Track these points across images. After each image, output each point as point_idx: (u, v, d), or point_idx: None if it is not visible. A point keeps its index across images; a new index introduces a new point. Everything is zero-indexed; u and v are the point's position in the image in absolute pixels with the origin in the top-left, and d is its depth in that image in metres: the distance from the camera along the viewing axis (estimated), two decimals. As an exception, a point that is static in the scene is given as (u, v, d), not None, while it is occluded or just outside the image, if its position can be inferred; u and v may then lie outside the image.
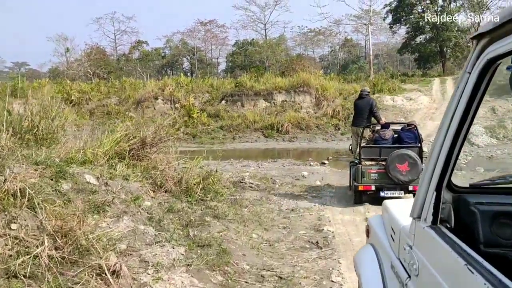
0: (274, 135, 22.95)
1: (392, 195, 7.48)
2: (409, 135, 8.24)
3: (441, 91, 28.64)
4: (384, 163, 7.61)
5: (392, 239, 2.28)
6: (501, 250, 1.67)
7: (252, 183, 10.07)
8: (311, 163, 15.40)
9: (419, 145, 7.98)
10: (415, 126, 8.54)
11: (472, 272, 1.24)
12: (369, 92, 10.22)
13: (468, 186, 1.92)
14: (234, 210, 6.12)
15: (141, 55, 57.27)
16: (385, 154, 7.77)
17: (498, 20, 1.32)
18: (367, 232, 3.01)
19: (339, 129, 22.86)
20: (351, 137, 10.98)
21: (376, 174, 7.69)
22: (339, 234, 5.74)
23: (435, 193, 1.67)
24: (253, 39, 53.36)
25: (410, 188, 7.49)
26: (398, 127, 8.99)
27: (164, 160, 6.45)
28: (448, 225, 1.71)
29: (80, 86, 32.41)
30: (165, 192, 5.69)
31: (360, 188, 7.78)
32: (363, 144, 8.46)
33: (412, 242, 1.87)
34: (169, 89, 28.43)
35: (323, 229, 5.68)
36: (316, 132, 22.90)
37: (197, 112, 25.25)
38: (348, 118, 21.66)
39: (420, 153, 7.79)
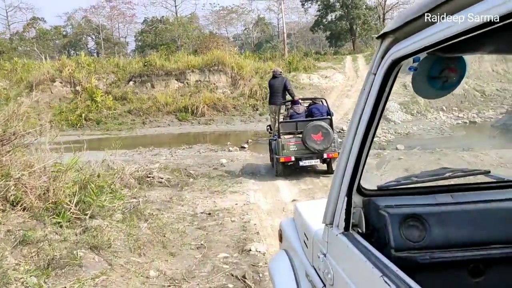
0: (189, 118, 21.27)
1: (309, 164, 8.53)
2: (319, 108, 9.06)
3: (354, 68, 28.86)
4: (300, 135, 8.31)
5: (306, 245, 2.22)
6: (410, 254, 1.67)
7: (161, 178, 8.54)
8: (230, 148, 14.18)
9: (329, 117, 8.82)
10: (324, 100, 9.57)
11: (388, 284, 1.27)
12: (281, 72, 11.15)
13: (376, 188, 1.85)
14: (128, 227, 4.54)
15: (38, 33, 51.71)
16: (301, 127, 8.45)
17: (400, 20, 1.33)
18: (280, 237, 2.83)
19: (257, 109, 21.81)
20: (269, 115, 11.76)
21: (295, 146, 8.33)
22: (272, 256, 4.49)
23: (346, 198, 1.67)
24: (163, 16, 50.50)
25: (325, 156, 8.31)
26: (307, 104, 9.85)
27: (23, 163, 4.61)
28: (360, 231, 1.71)
29: (-41, 68, 27.91)
30: (23, 211, 4.00)
31: (282, 160, 8.38)
32: (280, 120, 9.15)
33: (325, 250, 1.86)
34: (68, 70, 25.32)
35: (250, 249, 4.32)
36: (234, 114, 21.62)
37: (101, 95, 22.69)
38: (265, 98, 20.73)
39: (331, 123, 8.66)
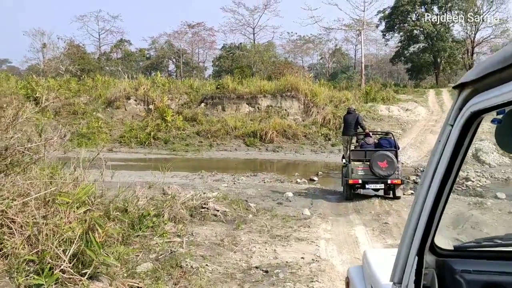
0: (257, 143, 20.28)
1: (374, 187, 9.46)
2: (387, 142, 10.12)
3: (438, 102, 26.53)
4: (368, 163, 9.32)
5: None
6: None
7: (217, 210, 7.42)
8: (298, 180, 12.83)
9: (395, 149, 9.78)
10: (392, 135, 10.66)
11: None
12: (354, 109, 12.90)
13: (452, 249, 1.69)
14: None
15: (123, 54, 54.63)
16: (369, 156, 9.48)
17: (481, 70, 1.24)
18: (347, 285, 2.58)
19: (329, 139, 20.31)
20: (342, 145, 13.67)
21: (363, 171, 9.36)
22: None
23: (416, 258, 1.52)
24: (241, 43, 51.14)
25: (389, 181, 9.18)
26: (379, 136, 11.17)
27: (16, 189, 3.48)
28: None
29: (48, 82, 29.45)
30: (2, 259, 2.86)
31: (350, 182, 9.36)
32: (352, 148, 10.52)
33: None
34: (144, 88, 25.68)
35: None
36: (304, 142, 20.29)
37: (172, 115, 22.52)
38: (339, 127, 19.30)
39: (396, 154, 9.57)
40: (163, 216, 6.75)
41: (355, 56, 60.42)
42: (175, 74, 55.29)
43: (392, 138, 10.30)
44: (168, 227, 5.76)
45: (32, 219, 3.19)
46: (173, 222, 6.78)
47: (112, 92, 25.67)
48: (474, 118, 1.31)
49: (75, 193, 3.89)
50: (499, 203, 9.35)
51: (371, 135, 10.68)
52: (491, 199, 10.49)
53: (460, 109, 1.36)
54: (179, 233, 5.62)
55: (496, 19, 40.86)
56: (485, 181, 13.50)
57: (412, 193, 11.59)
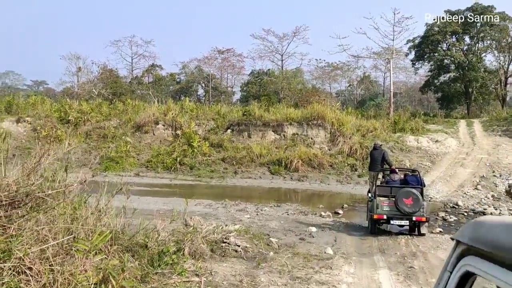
0: (282, 172, 20.14)
1: (399, 223, 9.50)
2: (413, 179, 10.17)
3: (470, 134, 25.84)
4: (394, 198, 9.41)
5: None
6: None
7: (238, 246, 7.33)
8: (322, 213, 12.60)
9: (421, 186, 9.87)
10: (418, 172, 10.74)
11: None
12: (381, 144, 13.43)
13: None
14: None
15: (154, 79, 56.02)
16: (395, 192, 9.65)
17: (473, 238, 1.23)
18: None
19: (356, 170, 19.99)
20: (368, 180, 13.67)
21: (388, 207, 9.41)
22: None
23: None
24: (269, 69, 51.65)
25: (414, 218, 9.25)
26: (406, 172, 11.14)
27: (35, 235, 3.46)
28: None
29: (80, 105, 30.39)
30: None
31: (375, 217, 9.44)
32: (378, 184, 10.62)
33: None
34: (172, 114, 26.14)
35: None
36: (330, 172, 20.03)
37: (198, 141, 22.74)
38: (366, 157, 19.00)
39: (421, 192, 9.65)
40: (183, 251, 6.72)
41: (383, 83, 60.01)
42: (204, 98, 56.12)
43: (419, 175, 10.39)
44: (187, 265, 5.70)
45: (49, 267, 3.21)
46: (193, 257, 6.73)
47: (142, 117, 26.21)
48: (470, 276, 1.28)
49: (92, 241, 3.88)
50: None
51: (397, 171, 10.87)
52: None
53: (457, 261, 1.35)
54: (197, 272, 5.55)
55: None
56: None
57: (440, 231, 11.20)
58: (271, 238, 8.33)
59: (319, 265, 6.62)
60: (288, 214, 12.41)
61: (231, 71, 57.61)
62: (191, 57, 77.88)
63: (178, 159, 21.45)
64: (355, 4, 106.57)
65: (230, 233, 8.12)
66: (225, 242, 7.56)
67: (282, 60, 49.11)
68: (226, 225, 8.88)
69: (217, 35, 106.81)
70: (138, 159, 22.58)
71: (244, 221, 10.72)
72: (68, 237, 3.67)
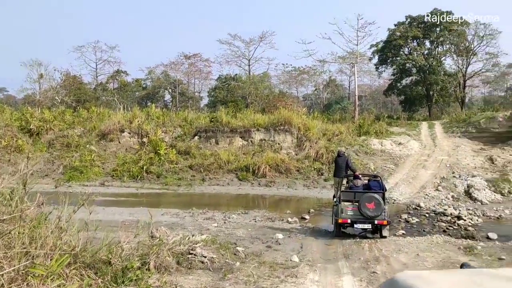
0: (249, 178, 20.19)
1: (362, 227, 10.01)
2: (375, 184, 10.84)
3: (431, 136, 26.73)
4: (357, 203, 9.95)
5: None
6: None
7: (204, 257, 7.33)
8: (289, 219, 12.72)
9: (383, 191, 10.49)
10: (380, 177, 11.57)
11: None
12: (344, 152, 14.11)
13: None
14: None
15: (120, 85, 55.08)
16: (358, 197, 10.19)
17: None
18: None
19: (322, 174, 20.28)
20: (333, 185, 14.12)
21: (352, 211, 10.00)
22: None
23: None
24: (236, 74, 51.71)
25: (376, 222, 9.80)
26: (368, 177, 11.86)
27: None
28: None
29: (42, 113, 29.51)
30: None
31: (340, 221, 10.02)
32: (342, 189, 11.10)
33: None
34: (138, 121, 25.77)
35: None
36: (297, 177, 20.24)
37: (165, 148, 22.50)
38: (332, 162, 19.32)
39: (383, 197, 10.28)
40: (148, 265, 6.66)
41: (349, 87, 61.15)
42: (171, 104, 55.62)
43: (380, 180, 11.09)
44: (152, 280, 5.66)
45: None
46: (159, 271, 6.68)
47: (107, 125, 25.70)
48: None
49: (50, 265, 3.81)
50: (490, 246, 9.29)
51: (360, 177, 11.41)
52: (482, 241, 10.44)
53: None
54: (162, 286, 5.52)
55: (487, 52, 41.89)
56: (477, 220, 13.45)
57: (403, 233, 11.54)
58: (238, 247, 8.36)
59: (284, 274, 6.71)
60: (255, 221, 12.48)
61: (198, 76, 57.40)
62: (157, 62, 76.82)
63: (144, 167, 21.15)
64: (320, 10, 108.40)
65: (196, 243, 8.10)
66: (191, 254, 7.54)
67: (249, 65, 49.32)
68: (193, 235, 8.84)
69: (183, 40, 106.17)
70: (103, 168, 22.12)
71: (212, 230, 10.71)
72: (25, 262, 3.59)
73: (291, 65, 57.04)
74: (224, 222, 12.11)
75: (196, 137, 24.44)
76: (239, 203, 16.38)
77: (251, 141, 23.52)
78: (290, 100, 37.48)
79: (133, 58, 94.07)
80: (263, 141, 23.28)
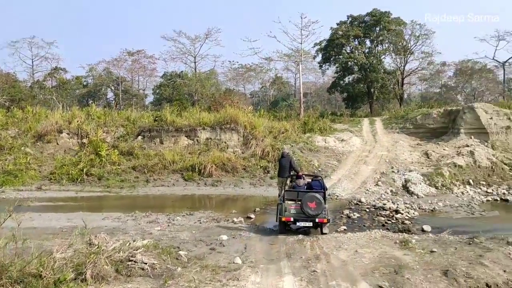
0: (195, 178, 19.96)
1: (304, 225, 10.48)
2: (316, 184, 11.46)
3: (372, 132, 27.73)
4: (300, 202, 10.50)
5: None
6: None
7: (145, 263, 7.14)
8: (234, 219, 12.71)
9: (323, 191, 11.10)
10: (321, 177, 12.15)
11: None
12: (288, 152, 14.33)
13: None
14: None
15: (58, 83, 52.54)
16: (301, 196, 10.77)
17: None
18: None
19: (268, 172, 20.45)
20: (277, 184, 14.47)
21: (295, 210, 10.53)
22: None
23: None
24: (182, 71, 50.95)
25: (317, 220, 10.36)
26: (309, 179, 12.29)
27: None
28: None
29: (-30, 114, 27.59)
30: None
31: (284, 219, 10.54)
32: (286, 189, 11.76)
33: None
34: (77, 121, 24.71)
35: None
36: (243, 175, 20.26)
37: (107, 149, 21.72)
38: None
39: (324, 196, 10.91)
40: (85, 275, 6.39)
41: (295, 84, 62.23)
42: (114, 102, 53.87)
43: (321, 180, 11.69)
44: (87, 293, 5.42)
45: None
46: (96, 281, 6.43)
47: (44, 125, 24.41)
48: None
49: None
50: (424, 239, 9.78)
51: (303, 177, 11.93)
52: (417, 234, 10.97)
53: None
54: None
55: (422, 52, 44.18)
56: (413, 213, 14.13)
57: (344, 229, 11.90)
58: (180, 252, 8.22)
59: (226, 277, 6.67)
60: (200, 223, 12.35)
61: (143, 73, 56.06)
62: (99, 59, 74.03)
63: (84, 169, 20.29)
64: (264, 9, 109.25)
65: (137, 249, 7.88)
66: (131, 261, 7.32)
67: (195, 62, 48.72)
68: (134, 241, 8.59)
69: (126, 36, 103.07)
70: (40, 172, 20.99)
71: (154, 234, 10.48)
72: None
73: (237, 62, 57.10)
74: (168, 225, 11.88)
75: (140, 137, 23.82)
76: (185, 204, 16.15)
77: (197, 140, 23.27)
78: (236, 98, 37.50)
79: (73, 55, 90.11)
80: (209, 140, 23.11)
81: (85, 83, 56.41)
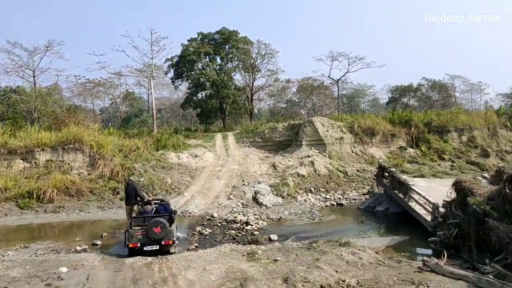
0: (33, 205, 17.83)
1: (151, 248, 10.83)
2: (162, 208, 12.04)
3: (225, 147, 28.55)
4: (146, 228, 10.95)
5: None
6: None
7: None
8: (78, 247, 11.71)
9: (167, 214, 11.57)
10: (167, 202, 12.72)
11: None
12: (132, 180, 14.43)
13: None
14: None
15: None
16: (147, 221, 11.17)
17: None
18: None
19: (118, 193, 19.38)
20: (125, 212, 14.13)
21: (141, 235, 10.94)
22: None
23: None
24: (18, 86, 45.49)
25: (163, 242, 10.91)
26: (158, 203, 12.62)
27: None
28: None
29: None
30: None
31: (130, 245, 10.86)
32: (133, 215, 12.29)
33: None
34: None
35: None
36: (90, 199, 18.84)
37: None
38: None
39: (170, 219, 11.38)
40: None
41: (148, 100, 60.84)
42: None
43: (167, 204, 12.33)
44: None
45: None
46: None
47: None
48: None
49: None
50: (269, 249, 10.30)
51: (150, 203, 12.34)
52: (264, 244, 11.51)
53: None
54: None
55: (268, 69, 47.49)
56: (262, 223, 14.84)
57: (196, 246, 11.88)
58: (6, 294, 7.18)
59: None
60: (37, 256, 11.04)
61: (-32, 88, 48.64)
62: None
63: None
64: (112, 23, 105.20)
65: None
66: None
67: (34, 76, 44.10)
68: None
69: None
70: None
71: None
72: None
73: (84, 77, 53.48)
74: (-4, 263, 10.33)
75: (-37, 162, 20.45)
76: (19, 236, 14.29)
77: (35, 162, 20.91)
78: (82, 115, 35.00)
79: None
80: (50, 162, 20.97)
81: None
